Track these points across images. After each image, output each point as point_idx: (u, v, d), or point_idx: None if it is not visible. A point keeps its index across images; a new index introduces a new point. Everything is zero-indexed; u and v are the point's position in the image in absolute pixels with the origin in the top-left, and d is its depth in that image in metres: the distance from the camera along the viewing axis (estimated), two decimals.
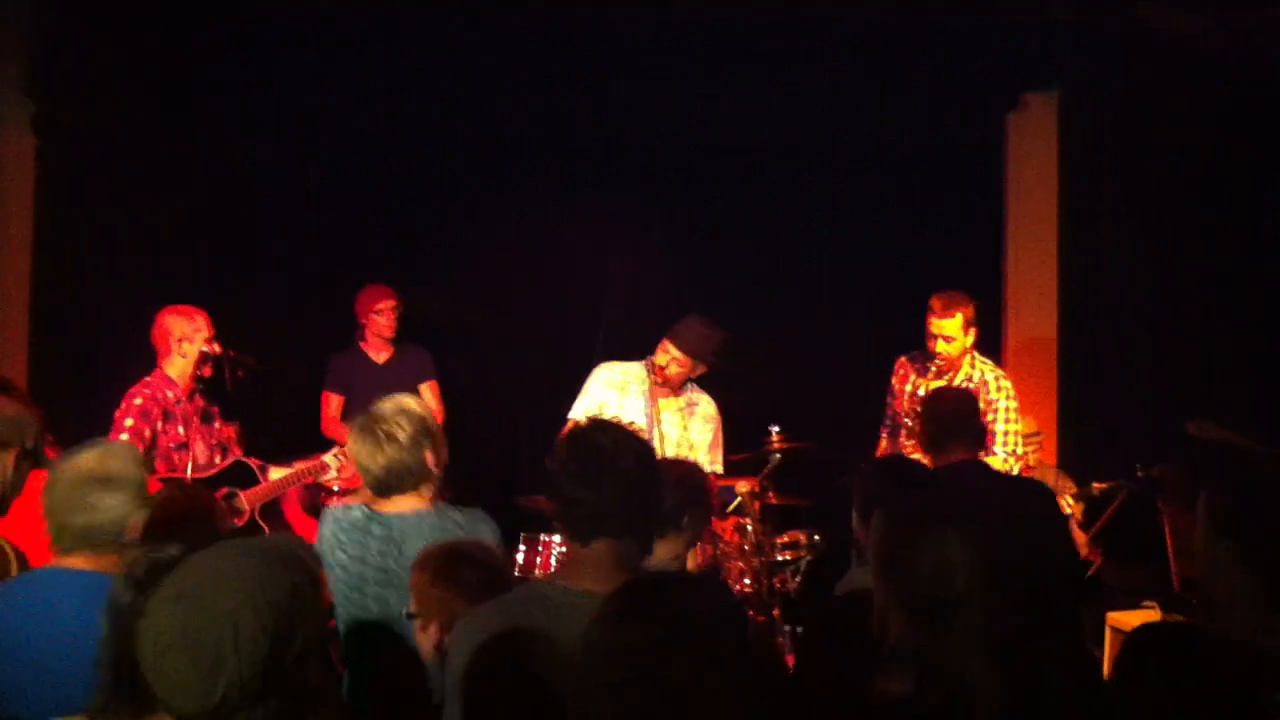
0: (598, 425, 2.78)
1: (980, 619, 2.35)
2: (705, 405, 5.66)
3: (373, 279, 6.84)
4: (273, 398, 6.57)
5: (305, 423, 6.62)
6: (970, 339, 5.70)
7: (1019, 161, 7.23)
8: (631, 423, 2.90)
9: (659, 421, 5.40)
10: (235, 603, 1.87)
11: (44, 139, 6.69)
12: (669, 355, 5.43)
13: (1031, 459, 6.31)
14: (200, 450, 5.57)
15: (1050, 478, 6.40)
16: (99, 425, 5.77)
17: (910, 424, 5.68)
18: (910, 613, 2.41)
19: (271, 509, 5.67)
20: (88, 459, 2.98)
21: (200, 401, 5.61)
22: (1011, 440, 5.71)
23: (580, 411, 5.45)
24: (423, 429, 3.63)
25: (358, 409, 3.80)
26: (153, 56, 6.65)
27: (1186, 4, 6.49)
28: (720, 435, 5.68)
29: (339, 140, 7.13)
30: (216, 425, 5.67)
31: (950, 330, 5.61)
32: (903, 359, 5.97)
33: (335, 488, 6.04)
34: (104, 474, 2.94)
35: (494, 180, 7.26)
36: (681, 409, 5.55)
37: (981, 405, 5.42)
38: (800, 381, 7.12)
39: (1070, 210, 7.12)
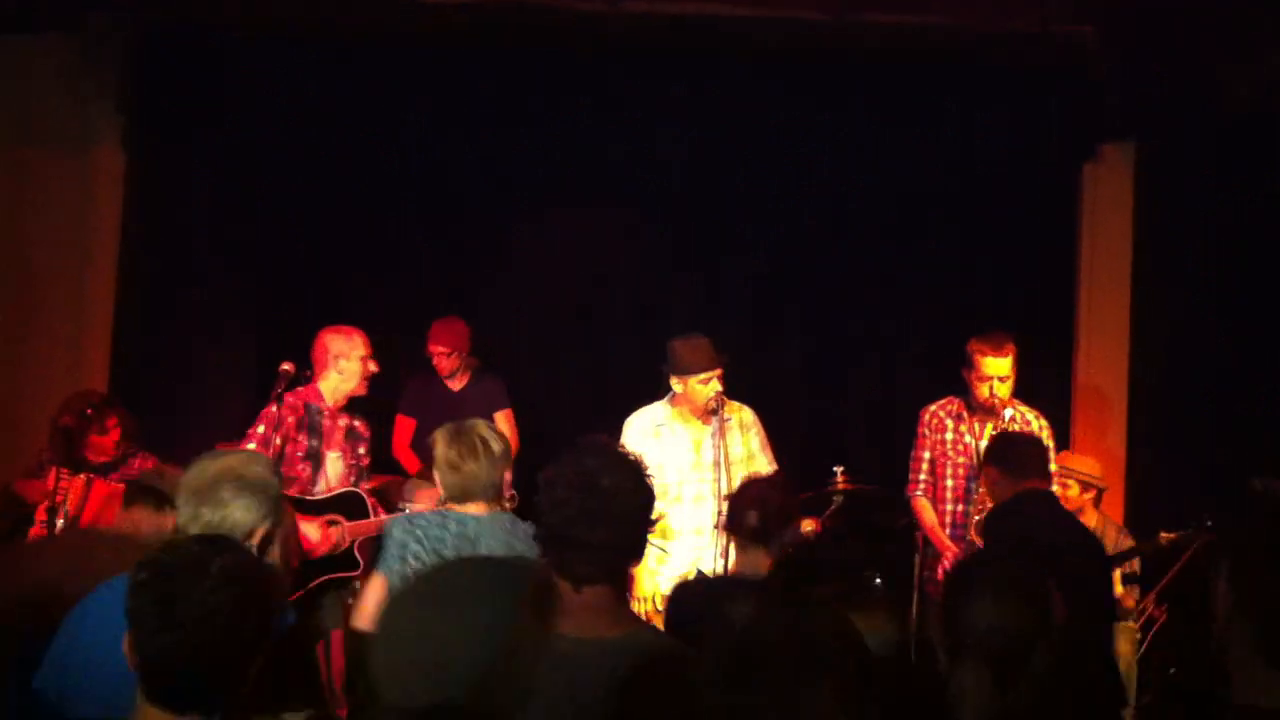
0: (591, 453, 2.57)
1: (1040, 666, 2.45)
2: (743, 413, 5.58)
3: (445, 310, 6.84)
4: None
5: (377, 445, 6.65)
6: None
7: (1094, 212, 7.20)
8: (622, 445, 2.74)
9: (724, 445, 5.31)
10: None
11: (134, 155, 6.84)
12: (710, 379, 5.33)
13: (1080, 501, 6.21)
14: (337, 468, 5.56)
15: (1111, 534, 6.31)
16: (179, 438, 5.91)
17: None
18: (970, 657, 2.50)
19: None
20: (231, 459, 3.05)
21: (349, 420, 5.64)
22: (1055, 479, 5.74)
23: None
24: (506, 449, 3.99)
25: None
26: (250, 75, 6.82)
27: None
28: (764, 434, 5.62)
29: (426, 168, 7.24)
30: (362, 450, 5.66)
31: (1006, 369, 5.54)
32: (932, 409, 5.81)
33: (404, 507, 6.09)
34: (242, 475, 2.98)
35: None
36: (727, 425, 5.41)
37: None
38: (864, 424, 7.16)
39: (1145, 261, 7.09)
